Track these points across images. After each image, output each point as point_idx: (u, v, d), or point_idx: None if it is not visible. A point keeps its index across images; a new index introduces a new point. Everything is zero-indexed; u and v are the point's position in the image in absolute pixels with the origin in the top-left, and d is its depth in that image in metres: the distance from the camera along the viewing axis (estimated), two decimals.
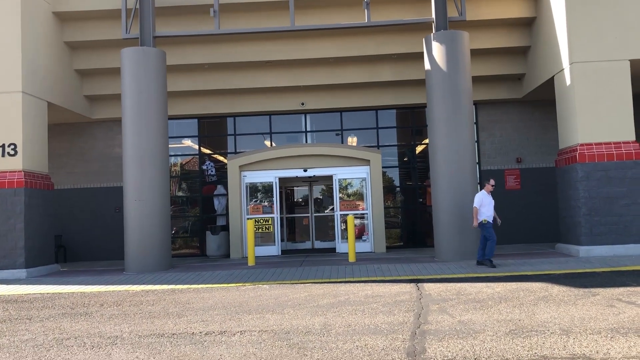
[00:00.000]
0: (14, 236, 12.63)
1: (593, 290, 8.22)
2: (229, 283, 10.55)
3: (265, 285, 10.11)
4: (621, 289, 8.17)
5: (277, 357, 5.30)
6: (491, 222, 11.47)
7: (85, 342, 6.22)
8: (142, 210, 12.93)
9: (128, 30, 13.74)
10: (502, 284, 9.18)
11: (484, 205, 11.50)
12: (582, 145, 12.39)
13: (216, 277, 11.43)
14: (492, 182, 11.84)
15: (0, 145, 12.77)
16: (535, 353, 5.08)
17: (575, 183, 12.49)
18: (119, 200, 15.98)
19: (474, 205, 11.55)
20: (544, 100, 15.97)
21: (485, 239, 11.45)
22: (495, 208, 16.15)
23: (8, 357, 5.73)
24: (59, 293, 10.21)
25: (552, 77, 13.53)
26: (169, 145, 14.26)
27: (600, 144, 12.37)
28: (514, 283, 9.19)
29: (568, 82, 12.67)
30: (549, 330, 5.90)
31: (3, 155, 12.76)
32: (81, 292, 10.17)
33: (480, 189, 12.11)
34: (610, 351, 5.06)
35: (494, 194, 16.16)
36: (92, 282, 11.38)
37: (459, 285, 9.24)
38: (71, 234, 16.68)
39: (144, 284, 10.94)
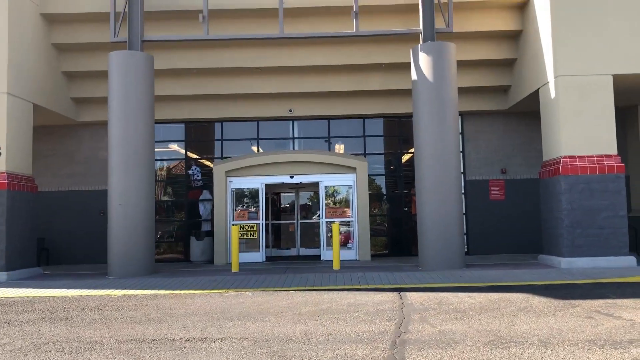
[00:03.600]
0: None
1: (573, 301, 8.30)
2: (211, 289, 10.51)
3: (248, 292, 10.09)
4: (600, 301, 8.27)
5: None
6: None
7: (64, 347, 6.18)
8: (127, 214, 12.87)
9: (116, 33, 13.71)
10: (484, 294, 9.25)
11: None
12: (565, 157, 12.54)
13: (199, 283, 11.39)
14: None
15: None
16: None
17: (558, 195, 12.63)
18: (103, 204, 15.88)
19: None
20: (529, 112, 16.14)
21: None
22: (479, 218, 16.40)
23: None
24: (40, 297, 10.12)
25: (537, 89, 13.69)
26: (155, 150, 14.22)
27: (583, 156, 12.52)
28: (495, 293, 9.26)
29: (552, 95, 12.82)
30: (527, 341, 5.96)
31: None
32: (62, 296, 10.09)
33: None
34: None
35: (478, 203, 16.36)
36: (73, 286, 11.28)
37: (441, 294, 9.29)
38: (54, 237, 16.54)
39: (126, 288, 10.87)
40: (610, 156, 12.53)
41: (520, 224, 16.18)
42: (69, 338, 6.64)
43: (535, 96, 14.09)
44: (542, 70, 13.30)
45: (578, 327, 6.60)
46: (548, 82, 13.01)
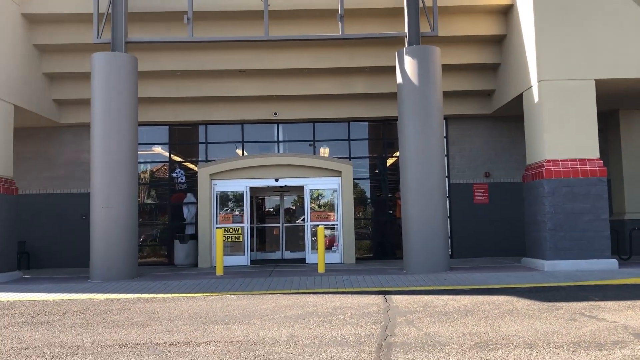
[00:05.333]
0: None
1: (557, 304, 8.35)
2: (196, 293, 10.41)
3: (232, 296, 10.01)
4: (583, 303, 8.33)
5: None
6: None
7: (45, 352, 6.06)
8: (109, 217, 12.71)
9: (100, 34, 13.56)
10: (468, 296, 9.27)
11: None
12: (548, 161, 12.65)
13: (183, 286, 11.28)
14: None
15: None
16: None
17: (541, 198, 12.73)
18: (85, 207, 15.67)
19: None
20: (513, 116, 16.27)
21: None
22: (463, 221, 16.48)
23: None
24: (20, 301, 9.94)
25: (521, 93, 13.81)
26: (139, 152, 14.07)
27: (566, 160, 12.64)
28: (480, 296, 9.28)
29: (536, 99, 12.94)
30: (513, 343, 5.97)
31: None
32: (43, 300, 9.92)
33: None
34: None
35: (462, 207, 16.44)
36: (55, 290, 11.11)
37: (426, 297, 9.30)
38: (35, 240, 16.29)
39: (108, 292, 10.73)
40: (593, 160, 12.66)
41: (504, 227, 16.29)
42: (50, 343, 6.52)
43: (519, 100, 14.21)
44: (525, 74, 13.41)
45: (562, 329, 6.63)
46: (532, 86, 13.12)
